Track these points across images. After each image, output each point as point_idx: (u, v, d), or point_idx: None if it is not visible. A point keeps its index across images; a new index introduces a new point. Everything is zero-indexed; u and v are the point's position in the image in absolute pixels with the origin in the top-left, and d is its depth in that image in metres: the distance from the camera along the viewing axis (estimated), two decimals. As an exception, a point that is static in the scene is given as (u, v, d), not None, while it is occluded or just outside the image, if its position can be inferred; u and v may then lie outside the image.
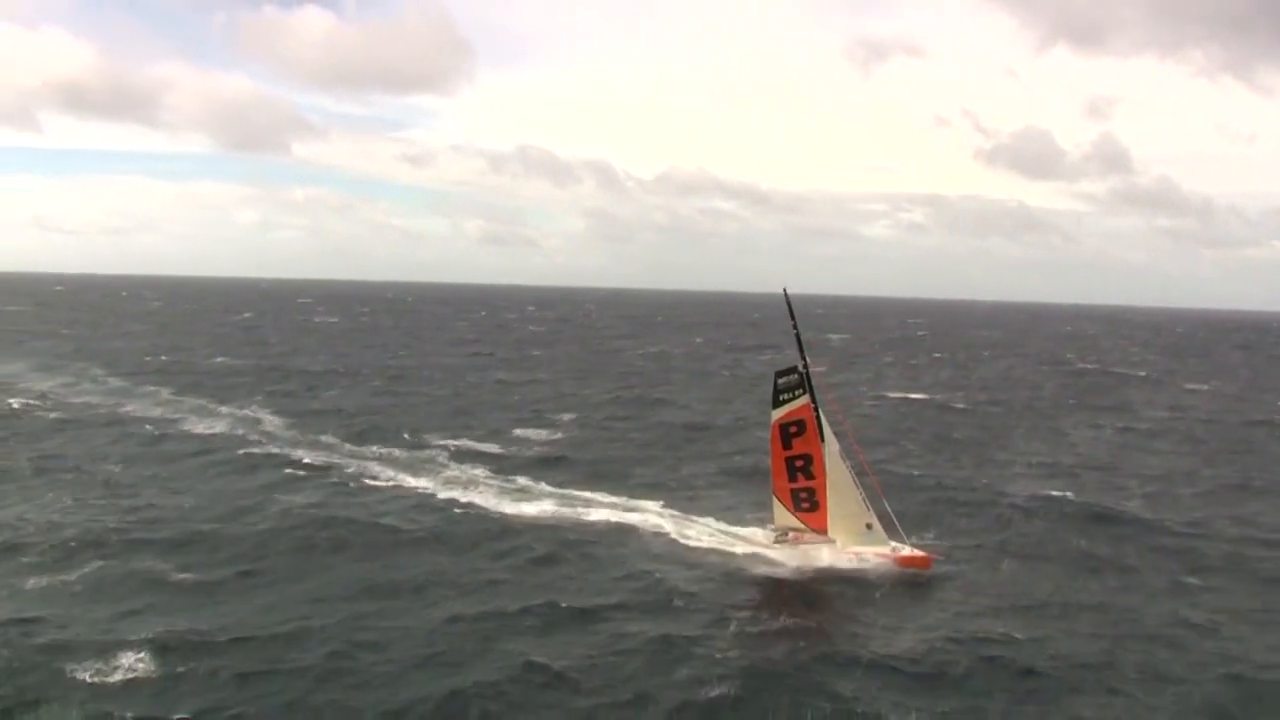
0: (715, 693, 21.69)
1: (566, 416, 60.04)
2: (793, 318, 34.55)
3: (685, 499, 39.75)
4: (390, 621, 25.14)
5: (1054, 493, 42.39)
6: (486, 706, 19.98)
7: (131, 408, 57.33)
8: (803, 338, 34.58)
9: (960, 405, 73.26)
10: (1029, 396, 77.36)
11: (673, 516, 37.48)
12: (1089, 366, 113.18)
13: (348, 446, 47.84)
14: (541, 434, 53.25)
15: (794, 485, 34.62)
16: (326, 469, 43.18)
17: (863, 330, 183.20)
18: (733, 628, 26.00)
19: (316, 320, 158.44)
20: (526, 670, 22.39)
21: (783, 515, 34.92)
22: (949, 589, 30.28)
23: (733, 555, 33.22)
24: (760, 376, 76.16)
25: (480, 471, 43.98)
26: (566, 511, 37.27)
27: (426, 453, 48.02)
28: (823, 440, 34.21)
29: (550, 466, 45.49)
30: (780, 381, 34.87)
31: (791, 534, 34.53)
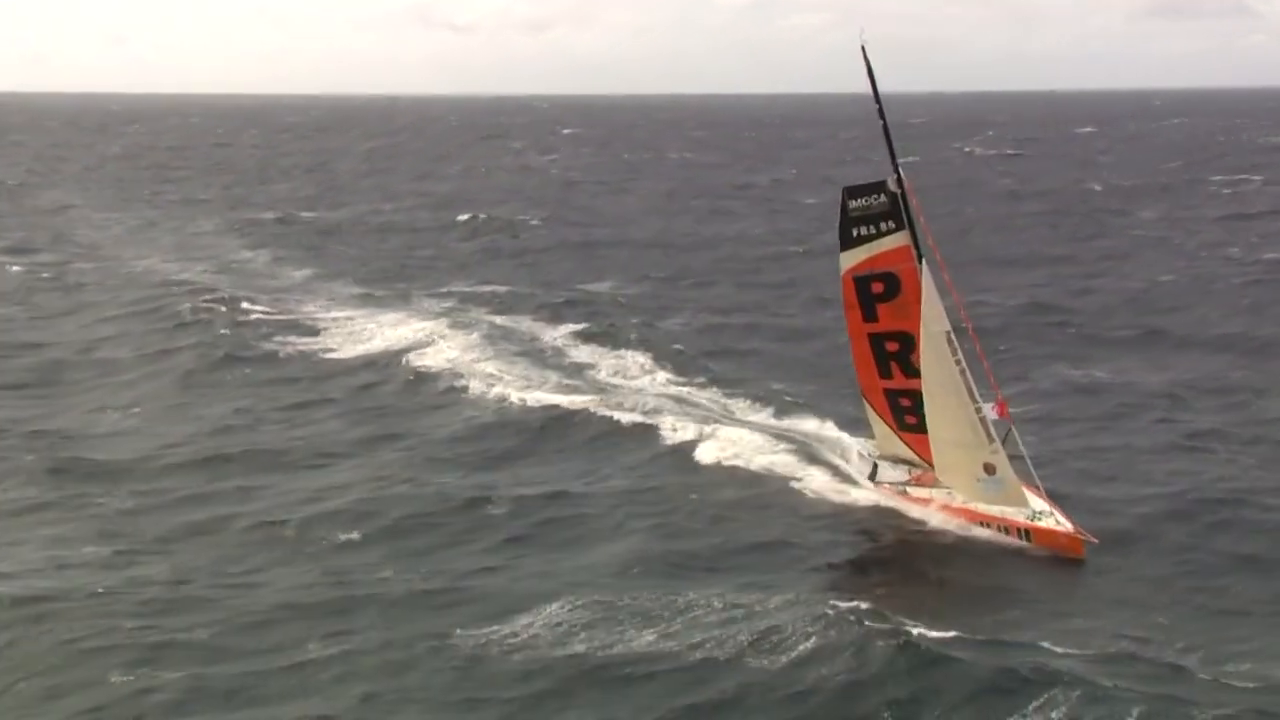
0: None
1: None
2: (877, 99, 31.69)
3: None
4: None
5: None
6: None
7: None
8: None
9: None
10: None
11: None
12: None
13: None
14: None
15: (888, 384, 32.99)
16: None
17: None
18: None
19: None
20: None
21: (885, 436, 33.87)
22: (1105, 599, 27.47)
23: None
24: None
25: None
26: None
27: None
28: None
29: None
30: (853, 205, 32.06)
31: (890, 483, 32.96)
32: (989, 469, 30.42)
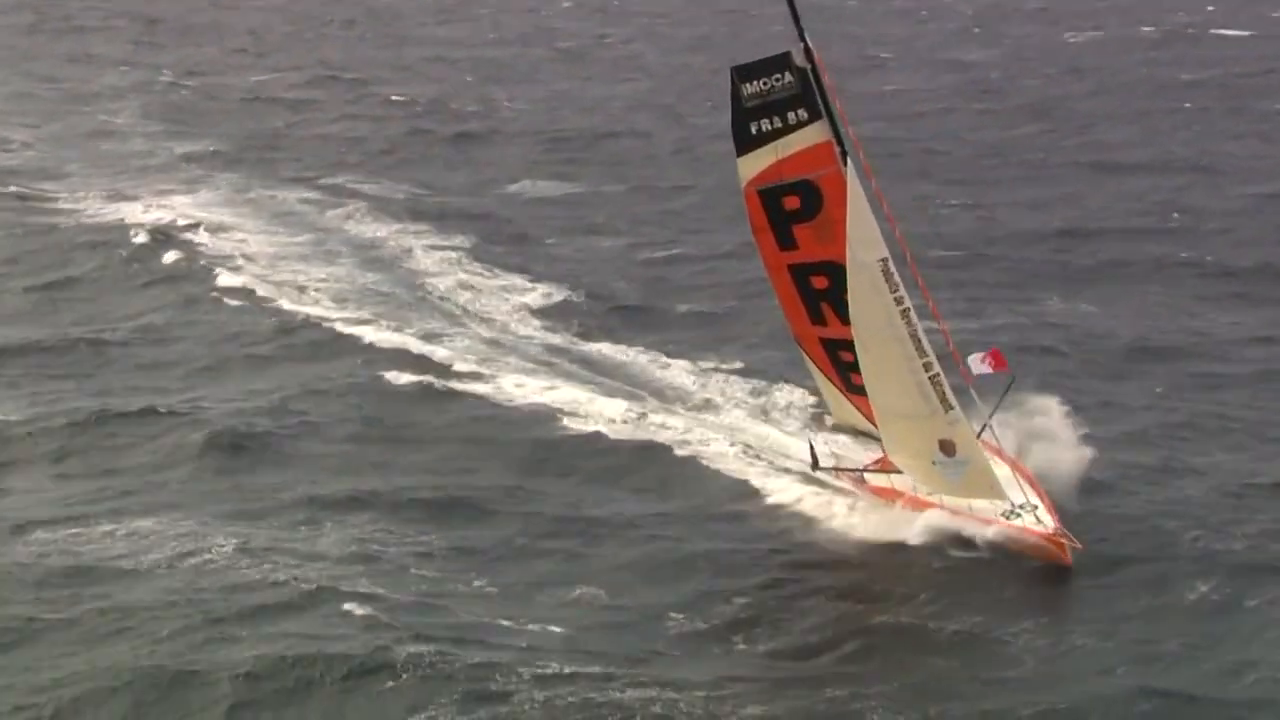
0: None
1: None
2: None
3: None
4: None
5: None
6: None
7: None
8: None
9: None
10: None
11: None
12: None
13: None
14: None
15: (823, 331, 33.03)
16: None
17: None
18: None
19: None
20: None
21: (835, 399, 34.25)
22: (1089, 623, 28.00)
23: None
24: None
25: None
26: None
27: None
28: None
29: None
30: (749, 90, 31.49)
31: (843, 469, 32.75)
32: (946, 448, 29.92)
